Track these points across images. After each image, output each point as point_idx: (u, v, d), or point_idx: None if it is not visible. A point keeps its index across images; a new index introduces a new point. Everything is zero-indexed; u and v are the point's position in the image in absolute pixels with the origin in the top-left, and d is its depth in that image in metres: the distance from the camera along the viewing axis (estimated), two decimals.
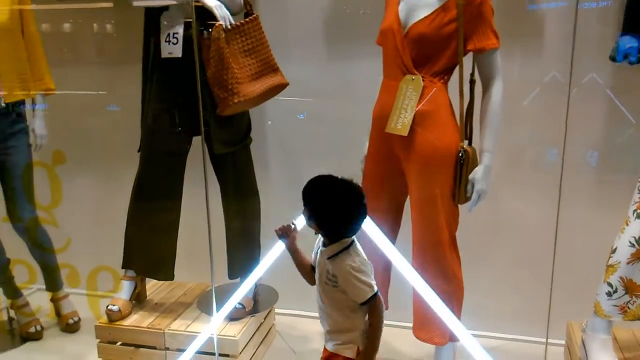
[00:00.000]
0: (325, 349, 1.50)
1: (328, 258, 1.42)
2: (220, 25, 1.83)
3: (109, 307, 2.14)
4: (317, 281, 1.48)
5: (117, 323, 2.13)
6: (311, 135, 2.35)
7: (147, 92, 2.05)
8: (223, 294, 2.00)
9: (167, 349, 2.09)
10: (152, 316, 2.19)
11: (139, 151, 2.09)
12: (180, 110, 2.01)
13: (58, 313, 2.55)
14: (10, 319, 2.52)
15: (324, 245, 1.44)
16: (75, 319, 2.51)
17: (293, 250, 1.53)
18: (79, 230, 1.96)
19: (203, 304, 2.29)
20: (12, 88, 2.16)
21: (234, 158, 2.08)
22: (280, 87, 1.99)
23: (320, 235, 1.46)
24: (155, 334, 2.09)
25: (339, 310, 1.44)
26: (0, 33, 2.10)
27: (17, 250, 2.31)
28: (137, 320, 2.16)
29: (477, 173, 1.72)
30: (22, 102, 2.24)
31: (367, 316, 1.44)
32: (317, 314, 1.51)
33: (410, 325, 1.88)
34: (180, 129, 2.02)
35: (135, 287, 2.24)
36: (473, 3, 1.61)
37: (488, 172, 1.73)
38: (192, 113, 1.98)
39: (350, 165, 1.84)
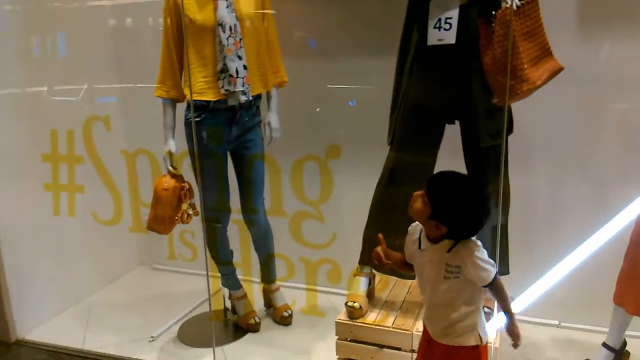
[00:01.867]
0: (435, 347, 1.49)
1: (448, 251, 1.41)
2: (509, 7, 1.71)
3: (349, 304, 2.08)
4: (424, 282, 1.48)
5: (359, 321, 2.07)
6: None
7: (402, 83, 1.97)
8: None
9: (413, 350, 2.01)
10: (391, 315, 2.11)
11: (390, 144, 2.02)
12: (443, 100, 1.91)
13: (270, 305, 2.57)
14: (226, 310, 2.58)
15: (434, 242, 1.43)
16: (290, 312, 2.50)
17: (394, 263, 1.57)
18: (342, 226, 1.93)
19: None
20: (255, 82, 2.18)
21: (495, 151, 1.95)
22: (557, 72, 1.83)
23: (417, 233, 1.49)
24: (402, 334, 2.00)
25: (459, 302, 1.43)
26: (249, 27, 2.13)
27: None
28: (378, 319, 2.09)
29: None
30: (259, 96, 2.25)
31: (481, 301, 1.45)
32: None
33: None
34: (441, 120, 1.92)
35: (369, 284, 2.18)
36: None
37: None
38: (455, 103, 1.88)
39: None
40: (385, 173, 2.03)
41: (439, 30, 1.83)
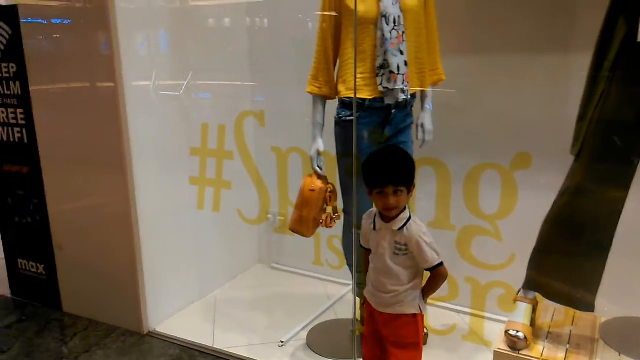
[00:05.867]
0: (377, 316, 1.65)
1: (399, 229, 1.55)
2: None
3: (511, 333, 1.85)
4: (378, 256, 1.61)
5: (524, 353, 1.84)
6: None
7: (598, 86, 1.69)
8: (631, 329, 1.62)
9: None
10: (559, 350, 1.85)
11: (577, 155, 1.75)
12: None
13: None
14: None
15: (386, 221, 1.58)
16: (425, 330, 2.30)
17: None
18: (522, 246, 1.70)
19: (614, 340, 1.89)
20: (413, 79, 2.00)
21: None
22: None
23: (372, 218, 1.62)
24: None
25: (405, 276, 1.58)
26: (411, 20, 1.94)
27: None
28: (545, 352, 1.84)
29: None
30: (415, 95, 2.07)
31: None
32: None
33: None
34: None
35: (533, 312, 1.93)
36: None
37: None
38: None
39: None
40: (569, 189, 1.77)
41: None
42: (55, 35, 2.38)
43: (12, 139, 2.64)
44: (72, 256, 2.62)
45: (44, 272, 2.74)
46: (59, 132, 2.49)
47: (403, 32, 1.91)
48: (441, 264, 1.56)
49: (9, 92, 2.59)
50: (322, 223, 2.11)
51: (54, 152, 2.54)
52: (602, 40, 1.67)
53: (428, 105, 2.12)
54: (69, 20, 2.31)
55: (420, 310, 1.63)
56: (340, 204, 2.16)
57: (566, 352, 1.83)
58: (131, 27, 2.26)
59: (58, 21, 2.34)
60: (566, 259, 1.80)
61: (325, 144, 2.08)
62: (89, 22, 2.24)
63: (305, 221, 2.09)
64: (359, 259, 2.10)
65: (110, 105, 2.25)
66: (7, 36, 2.52)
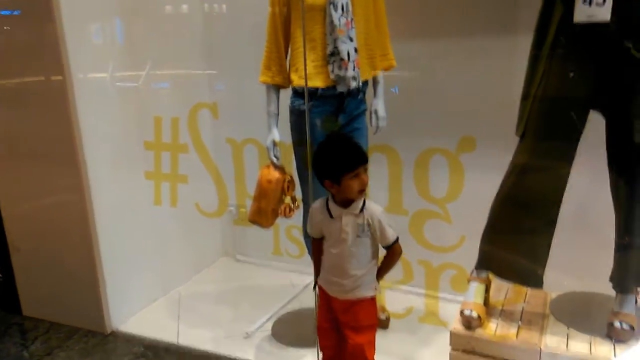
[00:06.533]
0: (335, 304, 1.69)
1: (360, 212, 1.60)
2: None
3: (465, 313, 1.89)
4: (337, 245, 1.62)
5: (478, 331, 1.88)
6: None
7: (538, 67, 1.74)
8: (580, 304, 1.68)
9: None
10: (512, 327, 1.91)
11: (521, 136, 1.80)
12: (591, 88, 1.67)
13: None
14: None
15: (345, 206, 1.61)
16: (386, 314, 2.34)
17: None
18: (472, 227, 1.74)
19: (564, 315, 1.96)
20: (364, 65, 2.01)
21: None
22: None
23: (324, 207, 1.65)
24: (528, 351, 1.79)
25: (364, 260, 1.63)
26: (359, 6, 1.95)
27: None
28: (498, 330, 1.89)
29: None
30: (366, 82, 2.08)
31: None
32: None
33: None
34: (586, 109, 1.69)
35: (486, 291, 1.98)
36: None
37: None
38: (606, 92, 1.64)
39: None
40: (515, 168, 1.81)
41: (590, 5, 1.58)
42: (5, 27, 2.30)
43: None
44: (29, 258, 2.56)
45: (0, 276, 2.67)
46: (9, 128, 2.42)
47: (352, 19, 1.92)
48: (397, 239, 1.63)
49: None
50: (280, 213, 2.11)
51: (4, 150, 2.46)
52: (541, 22, 1.71)
53: (391, 89, 2.13)
54: (18, 12, 2.24)
55: (376, 290, 1.69)
56: (299, 193, 2.17)
57: (518, 329, 1.88)
58: (80, 17, 2.21)
59: (7, 12, 2.27)
60: (516, 237, 1.85)
61: (280, 133, 2.09)
62: (36, 13, 2.17)
63: (264, 212, 2.09)
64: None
65: (59, 99, 2.20)
66: None
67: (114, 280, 2.45)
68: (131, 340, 2.40)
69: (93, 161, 2.28)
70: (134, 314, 2.58)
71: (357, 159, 1.57)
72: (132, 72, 2.46)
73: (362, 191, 1.59)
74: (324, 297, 1.75)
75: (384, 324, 2.32)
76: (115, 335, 2.44)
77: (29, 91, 2.30)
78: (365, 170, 1.59)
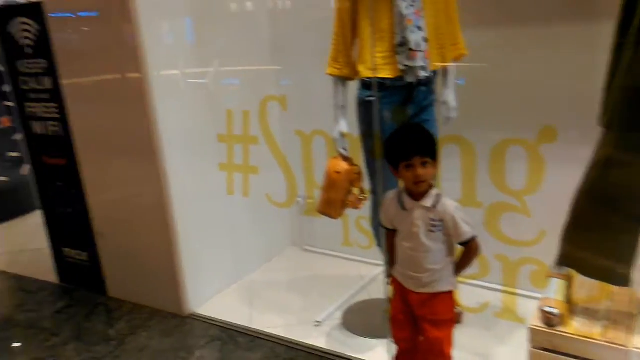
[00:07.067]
0: (411, 297, 1.67)
1: (433, 206, 1.57)
2: None
3: (546, 309, 1.81)
4: (411, 238, 1.60)
5: (559, 329, 1.80)
6: None
7: (623, 55, 1.59)
8: None
9: None
10: (594, 325, 1.81)
11: (606, 127, 1.67)
12: None
13: None
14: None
15: (417, 199, 1.59)
16: (459, 309, 2.29)
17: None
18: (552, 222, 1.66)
19: None
20: (433, 55, 1.94)
21: None
22: None
23: (398, 198, 1.62)
24: (615, 350, 1.69)
25: (440, 255, 1.61)
26: None
27: None
28: (581, 329, 1.80)
29: None
30: (436, 72, 2.02)
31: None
32: None
33: None
34: None
35: (568, 287, 1.89)
36: None
37: None
38: None
39: None
40: (600, 160, 1.69)
41: None
42: (83, 29, 2.44)
43: (49, 133, 2.76)
44: (113, 243, 2.74)
45: (87, 259, 2.88)
46: (92, 124, 2.58)
47: (420, 8, 1.86)
48: (475, 236, 1.59)
49: (41, 87, 2.69)
50: (349, 204, 2.11)
51: (89, 144, 2.63)
52: (626, 6, 1.57)
53: (456, 81, 2.06)
54: (95, 13, 2.36)
55: (454, 285, 1.67)
56: (366, 184, 2.16)
57: (603, 328, 1.78)
58: (155, 17, 2.29)
59: (85, 14, 2.39)
60: (600, 233, 1.73)
61: (349, 125, 2.07)
62: (114, 14, 2.28)
63: (332, 203, 2.10)
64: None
65: (138, 96, 2.31)
66: (35, 32, 2.60)
67: (191, 266, 2.57)
68: (208, 323, 2.51)
69: (170, 153, 2.39)
70: (210, 298, 2.70)
71: (412, 149, 1.54)
72: (202, 68, 2.53)
73: (417, 183, 1.55)
74: (398, 290, 1.74)
75: (458, 319, 2.27)
76: (193, 318, 2.57)
77: (109, 88, 2.43)
78: (424, 163, 1.54)
